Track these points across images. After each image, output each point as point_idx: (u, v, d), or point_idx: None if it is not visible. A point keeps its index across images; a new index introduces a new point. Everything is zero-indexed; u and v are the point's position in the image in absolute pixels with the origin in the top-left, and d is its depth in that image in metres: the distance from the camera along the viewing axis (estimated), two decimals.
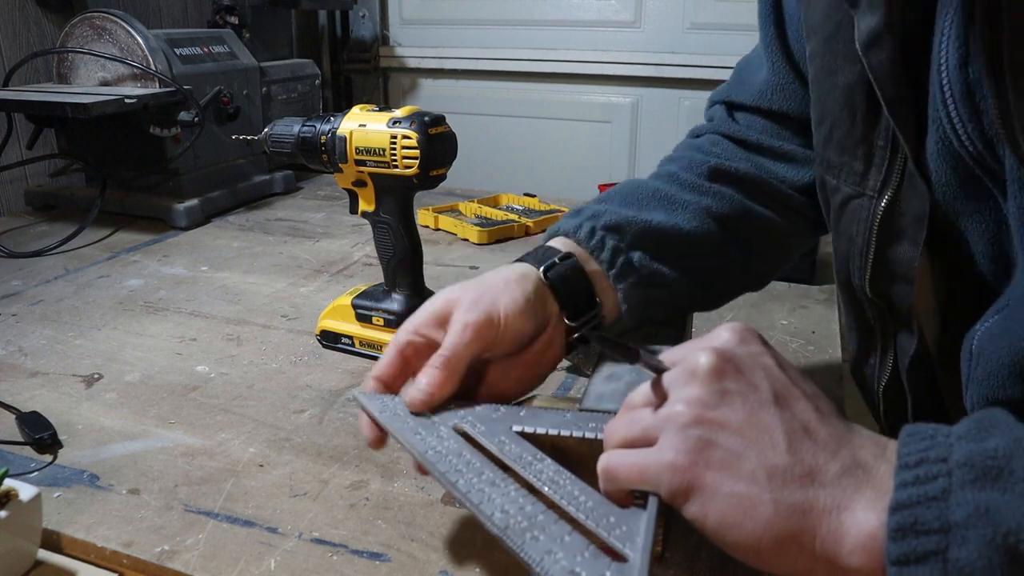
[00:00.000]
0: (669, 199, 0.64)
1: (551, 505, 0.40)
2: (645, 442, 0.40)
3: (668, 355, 0.43)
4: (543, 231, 1.22)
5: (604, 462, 0.41)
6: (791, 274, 0.99)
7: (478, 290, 0.53)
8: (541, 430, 0.47)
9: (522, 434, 0.47)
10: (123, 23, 1.18)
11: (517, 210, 1.30)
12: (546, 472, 0.43)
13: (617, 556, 0.36)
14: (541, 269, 0.57)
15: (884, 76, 0.48)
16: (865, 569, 0.34)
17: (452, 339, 0.51)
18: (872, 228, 0.53)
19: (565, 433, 0.46)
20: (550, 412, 0.49)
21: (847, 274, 0.57)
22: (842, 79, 0.54)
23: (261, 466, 0.60)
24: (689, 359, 0.40)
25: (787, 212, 0.68)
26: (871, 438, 0.38)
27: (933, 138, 0.48)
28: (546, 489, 0.41)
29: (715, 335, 0.42)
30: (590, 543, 0.37)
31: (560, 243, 0.61)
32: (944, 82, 0.46)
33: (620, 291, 0.59)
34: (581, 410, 0.48)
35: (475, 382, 0.54)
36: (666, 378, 0.41)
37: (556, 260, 0.58)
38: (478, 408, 0.50)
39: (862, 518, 0.34)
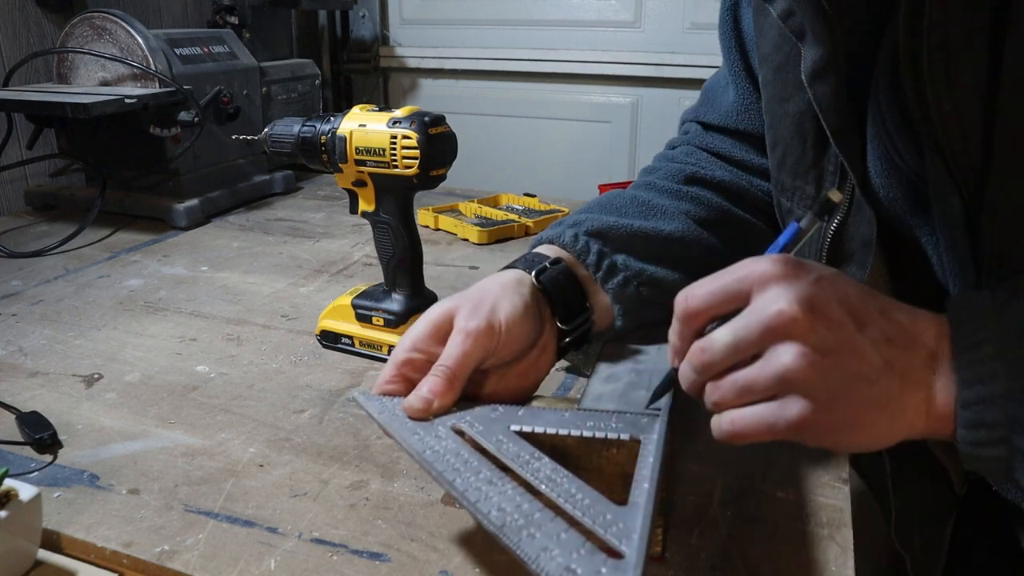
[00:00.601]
0: (648, 205, 0.64)
1: (549, 504, 0.40)
2: (762, 399, 0.42)
3: (724, 276, 0.43)
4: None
5: (727, 425, 0.43)
6: None
7: (476, 298, 0.53)
8: (539, 429, 0.47)
9: (520, 433, 0.47)
10: (123, 23, 1.18)
11: (517, 210, 1.30)
12: (543, 470, 0.43)
13: (613, 553, 0.36)
14: (533, 273, 0.57)
15: (829, 107, 0.51)
16: (947, 435, 0.41)
17: (453, 349, 0.51)
18: (822, 251, 0.55)
19: (563, 432, 0.46)
20: (548, 411, 0.49)
21: None
22: (792, 107, 0.56)
23: (261, 466, 0.60)
24: (770, 312, 0.40)
25: (768, 219, 0.68)
26: (925, 320, 0.42)
27: (877, 155, 0.50)
28: (543, 487, 0.41)
29: (765, 274, 0.41)
30: (586, 540, 0.37)
31: (547, 250, 0.61)
32: (881, 99, 0.48)
33: (610, 292, 0.60)
34: (580, 410, 0.48)
35: (473, 390, 0.54)
36: (752, 322, 0.41)
37: (547, 264, 0.58)
38: (477, 408, 0.50)
39: (942, 402, 0.41)
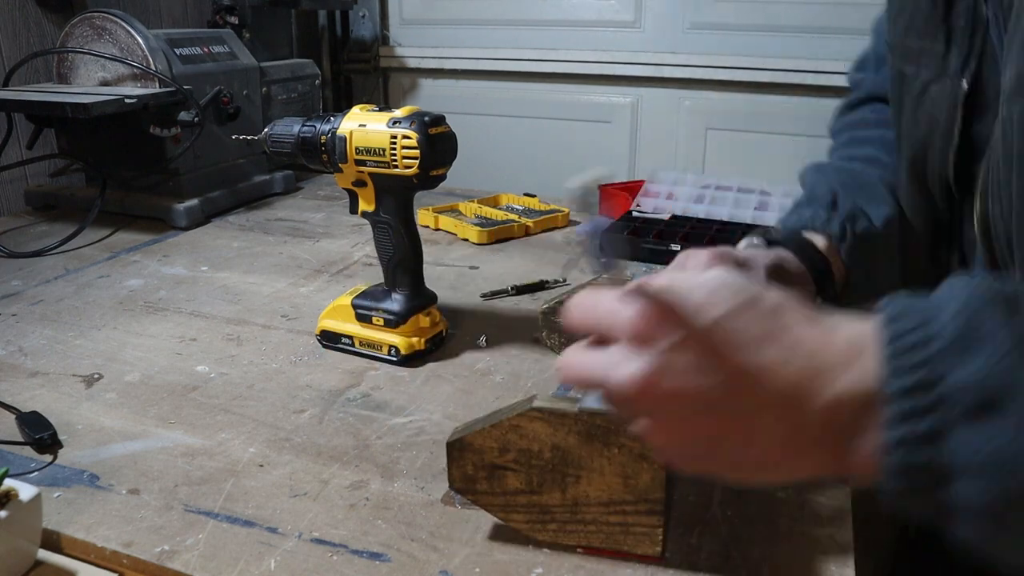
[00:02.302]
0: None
1: None
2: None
3: (599, 306, 0.39)
4: (543, 231, 1.22)
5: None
6: None
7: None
8: None
9: None
10: (123, 23, 1.18)
11: (517, 210, 1.30)
12: None
13: None
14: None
15: None
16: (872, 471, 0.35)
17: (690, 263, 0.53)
18: (956, 107, 0.54)
19: None
20: None
21: (923, 164, 0.58)
22: None
23: (261, 466, 0.60)
24: (618, 382, 0.37)
25: None
26: (839, 364, 0.35)
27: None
28: None
29: (625, 328, 0.37)
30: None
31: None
32: None
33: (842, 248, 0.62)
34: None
35: None
36: (609, 391, 0.39)
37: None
38: None
39: (857, 456, 0.35)
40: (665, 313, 0.36)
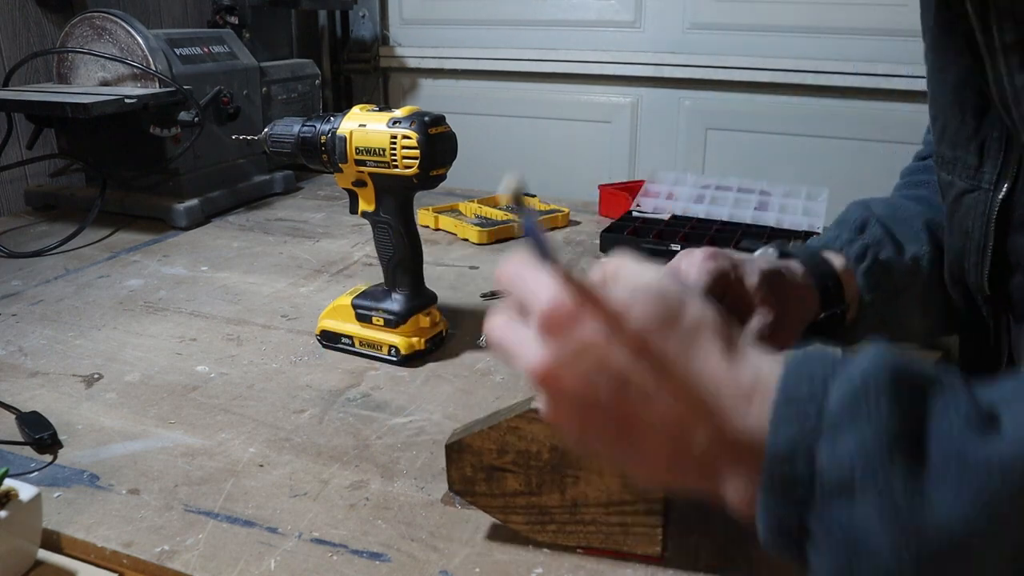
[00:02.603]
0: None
1: None
2: None
3: (527, 281, 0.38)
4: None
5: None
6: None
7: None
8: None
9: None
10: (123, 23, 1.18)
11: None
12: None
13: None
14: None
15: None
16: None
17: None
18: (990, 221, 0.53)
19: None
20: None
21: (961, 271, 0.58)
22: (951, 76, 0.55)
23: (261, 466, 0.60)
24: (523, 367, 0.37)
25: None
26: (734, 404, 0.35)
27: None
28: None
29: (541, 316, 0.36)
30: None
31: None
32: None
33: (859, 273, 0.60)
34: None
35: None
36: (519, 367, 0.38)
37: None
38: None
39: (734, 494, 0.36)
40: (578, 308, 0.35)
